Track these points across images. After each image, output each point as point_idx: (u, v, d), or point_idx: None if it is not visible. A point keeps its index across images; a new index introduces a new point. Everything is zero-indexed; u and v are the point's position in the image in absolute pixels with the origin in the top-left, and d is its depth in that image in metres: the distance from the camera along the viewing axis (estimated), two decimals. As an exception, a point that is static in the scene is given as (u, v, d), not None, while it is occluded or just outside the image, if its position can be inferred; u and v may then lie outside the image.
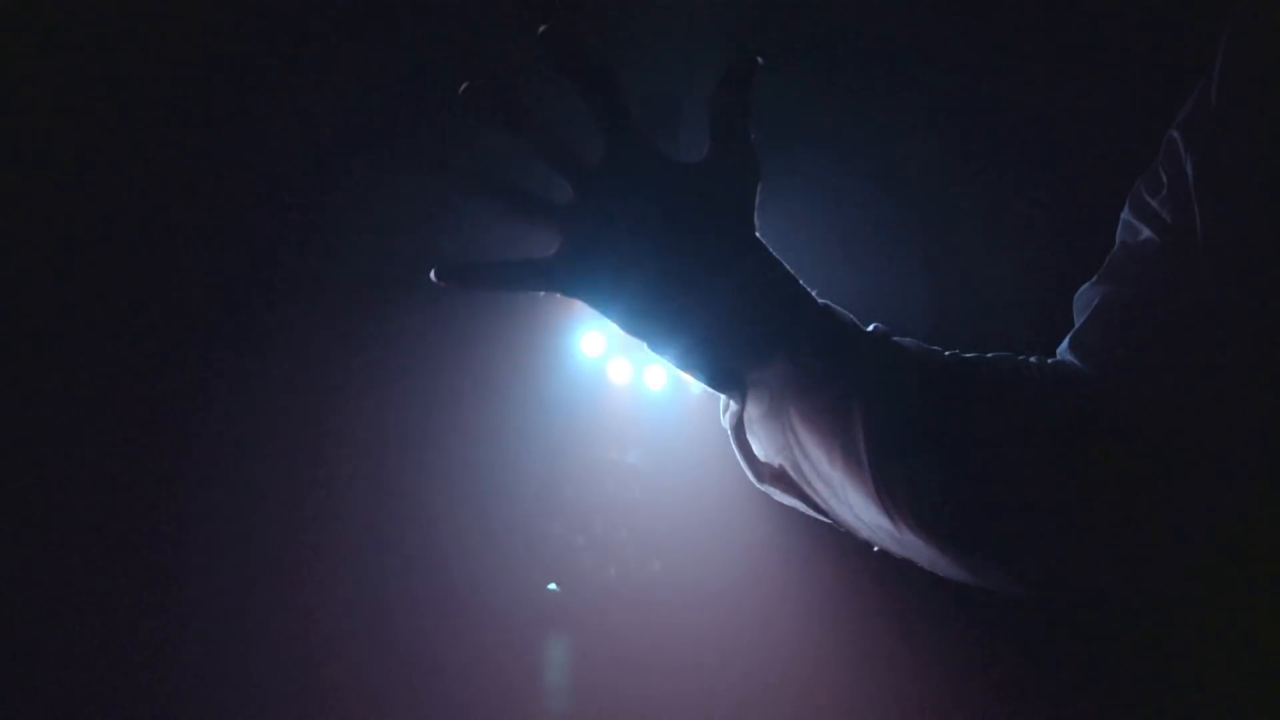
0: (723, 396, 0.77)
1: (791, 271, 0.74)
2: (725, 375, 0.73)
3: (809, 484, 0.75)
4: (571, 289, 0.69)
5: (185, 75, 1.32)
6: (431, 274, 0.67)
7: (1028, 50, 1.30)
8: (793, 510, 0.83)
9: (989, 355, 0.77)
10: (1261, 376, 0.69)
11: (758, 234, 0.71)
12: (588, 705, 1.62)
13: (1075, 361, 0.77)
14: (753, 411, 0.74)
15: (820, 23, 1.36)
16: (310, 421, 1.45)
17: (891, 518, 0.72)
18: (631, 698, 1.60)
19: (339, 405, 1.47)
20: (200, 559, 1.39)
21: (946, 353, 0.76)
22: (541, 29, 0.64)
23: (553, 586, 1.66)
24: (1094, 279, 0.80)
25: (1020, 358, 0.77)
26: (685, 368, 0.72)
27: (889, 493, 0.71)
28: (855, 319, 0.75)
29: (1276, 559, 0.76)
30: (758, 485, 0.77)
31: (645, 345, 0.71)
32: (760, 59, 0.68)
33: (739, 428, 0.77)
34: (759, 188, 0.71)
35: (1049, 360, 0.79)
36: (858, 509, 0.74)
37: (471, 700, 1.53)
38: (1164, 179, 0.75)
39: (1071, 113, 1.24)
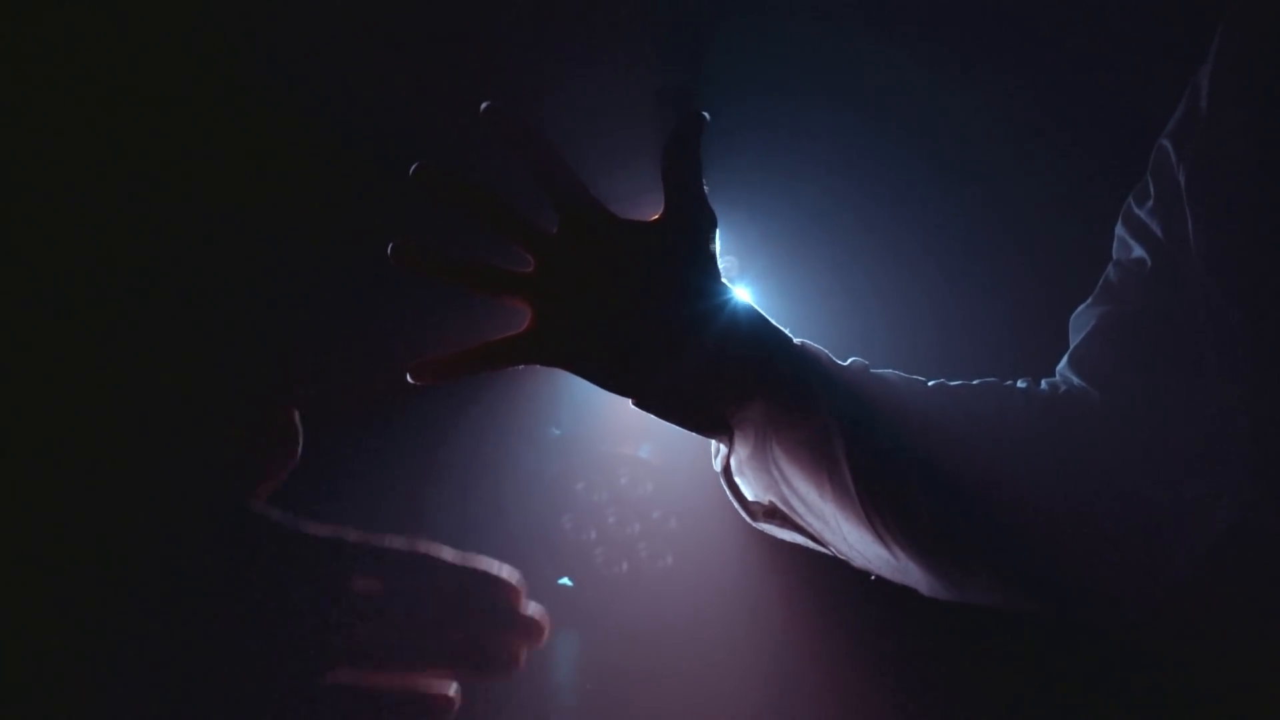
0: (712, 441, 0.77)
1: (763, 313, 0.73)
2: (709, 421, 0.73)
3: (800, 517, 0.75)
4: (547, 358, 0.69)
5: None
6: (408, 377, 0.67)
7: (1020, 57, 1.28)
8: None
9: (974, 382, 0.76)
10: (1256, 382, 0.68)
11: (724, 280, 0.71)
12: (600, 700, 1.62)
13: (1075, 378, 0.76)
14: (740, 452, 0.74)
15: (827, 24, 1.34)
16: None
17: (886, 545, 0.72)
18: (644, 693, 1.60)
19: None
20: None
21: (930, 382, 0.75)
22: (484, 107, 0.64)
23: (565, 581, 1.66)
24: (1090, 299, 0.79)
25: (1007, 383, 0.76)
26: (670, 419, 0.72)
27: (880, 520, 0.70)
28: (831, 355, 0.75)
29: (1273, 566, 0.74)
30: (753, 524, 0.77)
31: (630, 402, 0.71)
32: (706, 115, 0.68)
33: (728, 470, 0.77)
34: (717, 236, 0.71)
35: (1045, 380, 0.78)
36: (852, 539, 0.74)
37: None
38: (1152, 191, 0.74)
39: (1068, 120, 1.22)
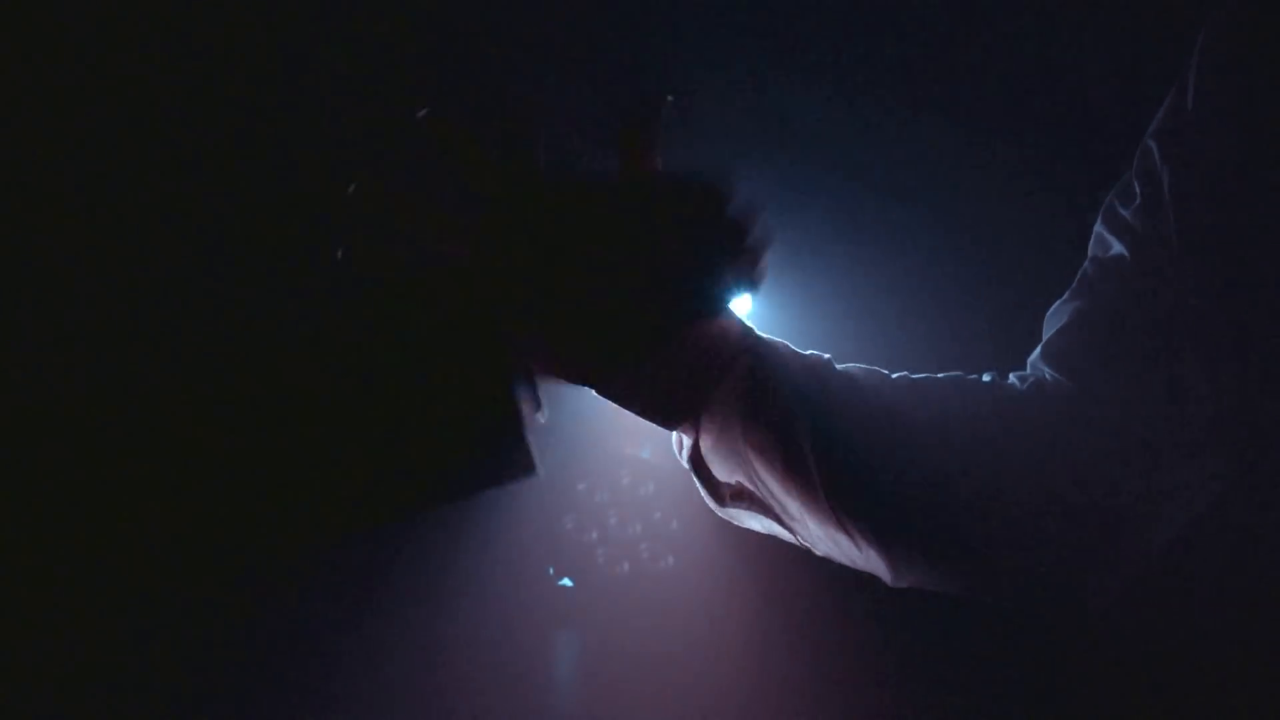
0: (674, 434, 0.76)
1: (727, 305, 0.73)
2: (672, 410, 0.72)
3: (766, 498, 0.75)
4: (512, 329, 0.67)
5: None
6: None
7: (1008, 54, 1.28)
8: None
9: (939, 375, 0.76)
10: (1234, 378, 0.68)
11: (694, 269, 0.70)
12: (600, 700, 1.62)
13: (1048, 370, 0.77)
14: (706, 440, 0.74)
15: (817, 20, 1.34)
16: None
17: (849, 534, 0.71)
18: (645, 693, 1.60)
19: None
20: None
21: (895, 375, 0.75)
22: (420, 113, 0.63)
23: (566, 582, 1.66)
24: (1065, 296, 0.79)
25: (971, 376, 0.76)
26: (632, 408, 0.71)
27: (843, 509, 0.70)
28: (792, 346, 0.75)
29: (1246, 556, 0.75)
30: (719, 512, 0.77)
31: (593, 391, 0.69)
32: (670, 97, 0.67)
33: (696, 458, 0.76)
34: (671, 218, 0.69)
35: (1013, 374, 0.78)
36: (813, 526, 0.74)
37: (483, 696, 1.53)
38: (1137, 189, 0.74)
39: (1054, 120, 1.22)
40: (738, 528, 1.63)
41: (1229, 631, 0.77)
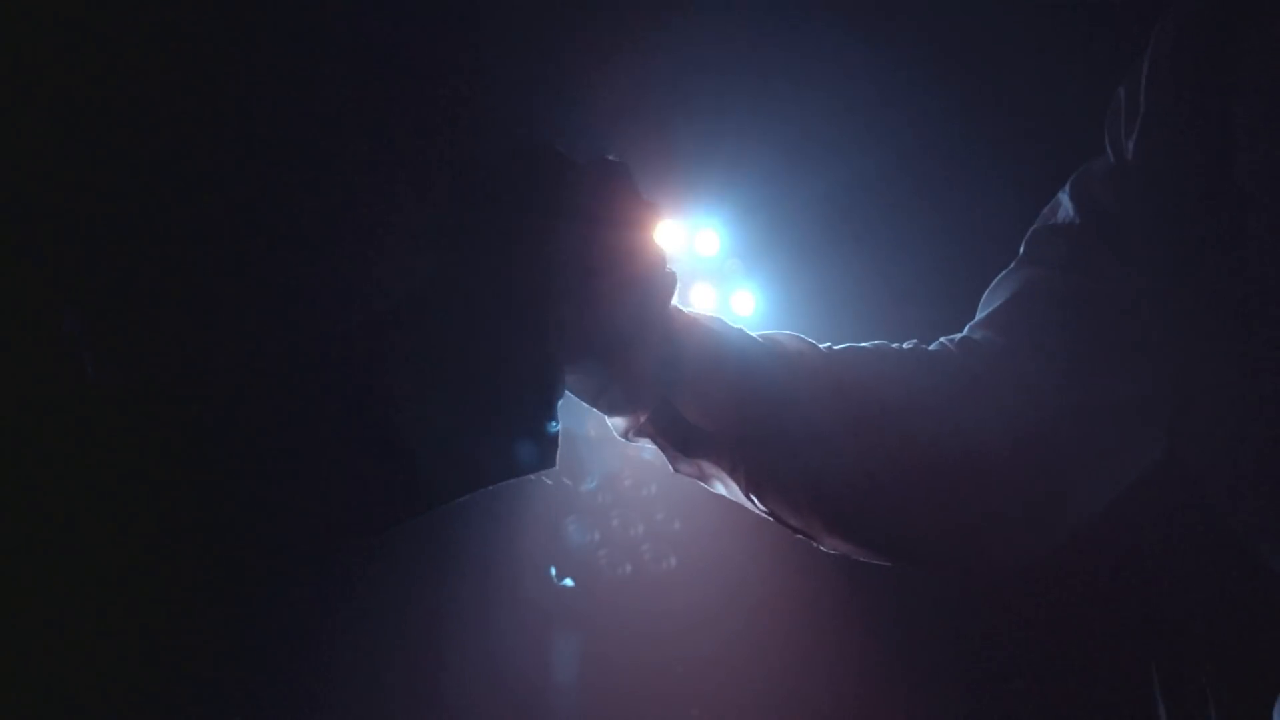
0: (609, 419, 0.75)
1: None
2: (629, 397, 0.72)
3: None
4: None
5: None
6: None
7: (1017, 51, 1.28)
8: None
9: (863, 344, 0.76)
10: (1168, 348, 0.68)
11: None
12: (601, 701, 1.62)
13: (981, 333, 0.76)
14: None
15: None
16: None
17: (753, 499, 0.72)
18: (646, 694, 1.60)
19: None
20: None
21: (822, 345, 0.75)
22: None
23: (568, 582, 1.66)
24: (1013, 265, 0.79)
25: (893, 344, 0.76)
26: (593, 395, 0.70)
27: (756, 485, 0.70)
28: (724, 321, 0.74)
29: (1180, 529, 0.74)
30: (626, 438, 0.75)
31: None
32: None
33: (656, 427, 0.75)
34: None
35: (945, 338, 0.77)
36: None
37: (484, 697, 1.54)
38: (1110, 158, 0.74)
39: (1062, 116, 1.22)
40: (739, 530, 1.63)
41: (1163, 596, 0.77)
